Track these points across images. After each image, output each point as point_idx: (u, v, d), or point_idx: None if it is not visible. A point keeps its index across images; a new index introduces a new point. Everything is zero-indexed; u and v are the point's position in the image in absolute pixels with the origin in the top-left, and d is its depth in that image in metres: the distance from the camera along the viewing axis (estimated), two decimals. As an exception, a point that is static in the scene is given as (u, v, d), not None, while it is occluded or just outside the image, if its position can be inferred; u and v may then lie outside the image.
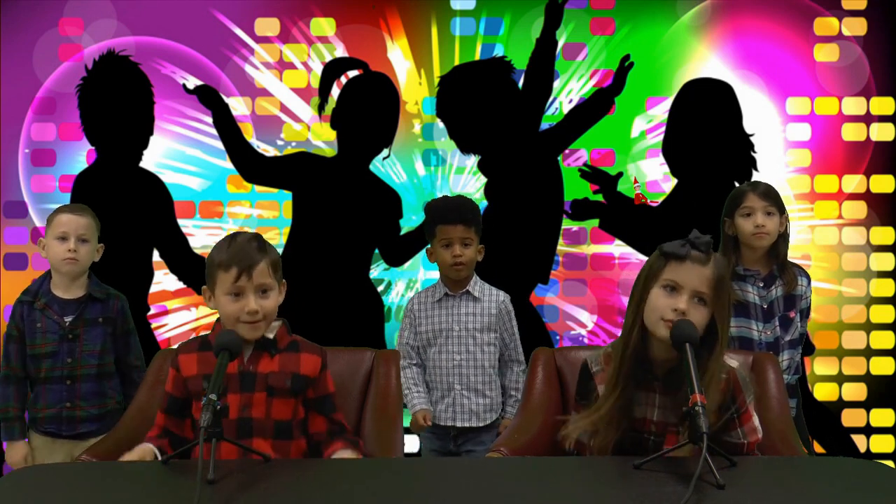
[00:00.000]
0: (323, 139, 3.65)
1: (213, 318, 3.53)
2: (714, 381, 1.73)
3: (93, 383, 2.65)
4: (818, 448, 3.60)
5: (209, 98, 3.59)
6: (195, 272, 3.59)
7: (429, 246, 2.74)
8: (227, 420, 1.68)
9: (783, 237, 2.66)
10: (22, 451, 2.66)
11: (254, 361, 1.88)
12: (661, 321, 1.71)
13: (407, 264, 3.66)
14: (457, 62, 3.64)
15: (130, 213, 3.54)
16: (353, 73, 3.64)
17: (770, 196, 2.64)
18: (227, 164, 3.62)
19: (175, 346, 2.55)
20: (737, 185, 2.79)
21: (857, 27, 3.63)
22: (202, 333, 1.99)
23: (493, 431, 2.72)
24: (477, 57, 3.66)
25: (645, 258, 3.60)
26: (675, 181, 3.64)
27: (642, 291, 1.77)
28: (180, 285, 3.61)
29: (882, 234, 3.64)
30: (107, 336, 2.68)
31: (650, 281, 1.76)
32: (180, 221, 3.62)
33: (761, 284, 2.65)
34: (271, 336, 1.91)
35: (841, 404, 3.63)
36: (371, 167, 3.64)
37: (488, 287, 2.76)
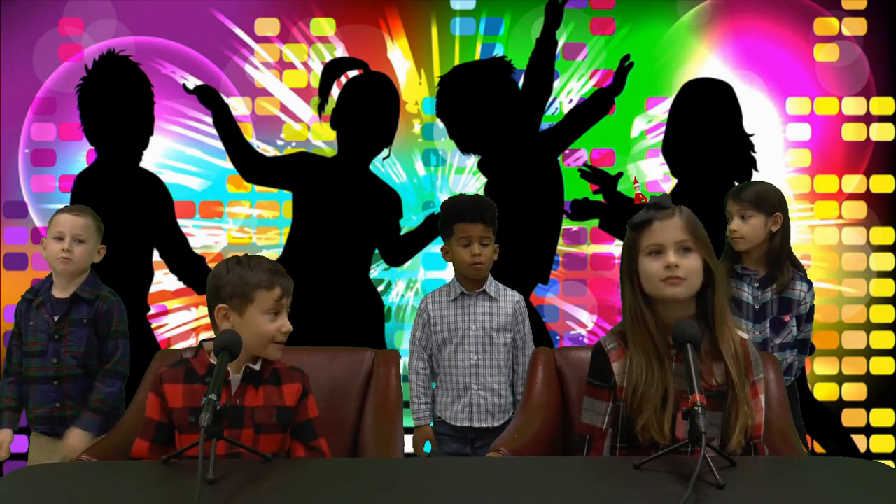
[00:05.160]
0: (323, 139, 3.65)
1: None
2: (726, 319, 1.78)
3: (80, 383, 2.64)
4: (818, 448, 3.60)
5: (209, 98, 3.59)
6: (195, 272, 3.60)
7: (443, 244, 2.72)
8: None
9: (776, 235, 2.64)
10: (2, 437, 2.64)
11: (240, 395, 1.86)
12: (661, 282, 1.76)
13: (407, 264, 3.66)
14: (457, 62, 3.64)
15: (130, 213, 3.54)
16: (353, 73, 3.64)
17: (746, 199, 2.61)
18: (227, 164, 3.62)
19: (178, 350, 2.53)
20: (736, 184, 2.79)
21: (857, 27, 3.63)
22: (185, 357, 1.95)
23: None
24: (477, 57, 3.66)
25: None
26: (675, 181, 3.64)
27: (630, 269, 1.82)
28: (180, 285, 3.61)
29: (882, 234, 3.64)
30: (91, 337, 2.66)
31: (633, 256, 1.82)
32: (180, 221, 3.62)
33: (756, 285, 2.64)
34: (258, 368, 1.88)
35: (841, 404, 3.63)
36: (371, 167, 3.64)
37: (503, 287, 2.74)
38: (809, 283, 2.67)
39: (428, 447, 2.81)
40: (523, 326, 2.73)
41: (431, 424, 2.76)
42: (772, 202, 2.64)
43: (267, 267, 1.89)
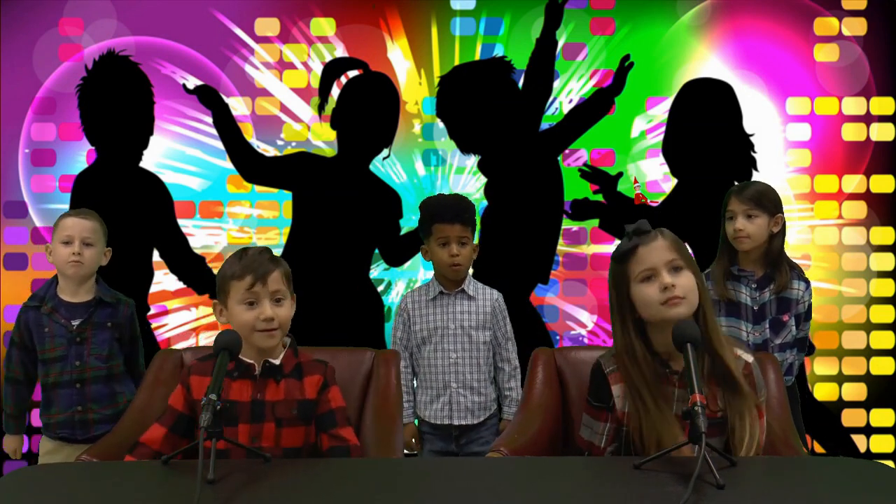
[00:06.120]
0: (323, 139, 3.65)
1: (214, 318, 3.56)
2: (722, 339, 1.76)
3: (102, 385, 2.66)
4: (818, 448, 3.60)
5: (209, 98, 3.59)
6: (195, 272, 3.60)
7: (423, 244, 2.74)
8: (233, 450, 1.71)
9: (776, 237, 2.65)
10: (12, 446, 2.73)
11: (261, 389, 1.87)
12: (661, 306, 1.74)
13: (407, 264, 3.66)
14: (457, 62, 3.64)
15: (130, 214, 3.54)
16: (353, 73, 3.64)
17: (752, 199, 2.62)
18: (227, 164, 3.62)
19: (178, 350, 2.53)
20: (736, 184, 2.79)
21: (857, 27, 3.63)
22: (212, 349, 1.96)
23: (492, 429, 2.72)
24: (477, 57, 3.66)
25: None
26: (675, 181, 3.64)
27: (620, 303, 1.80)
28: (180, 285, 3.61)
29: (882, 234, 3.64)
30: (114, 340, 2.69)
31: (624, 287, 1.80)
32: (180, 221, 3.62)
33: (754, 286, 2.64)
34: (277, 362, 1.89)
35: (841, 404, 3.63)
36: (371, 167, 3.64)
37: (482, 286, 2.77)
38: (807, 282, 2.68)
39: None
40: (504, 324, 2.75)
41: (416, 422, 2.78)
42: (774, 202, 2.65)
43: (249, 256, 1.89)
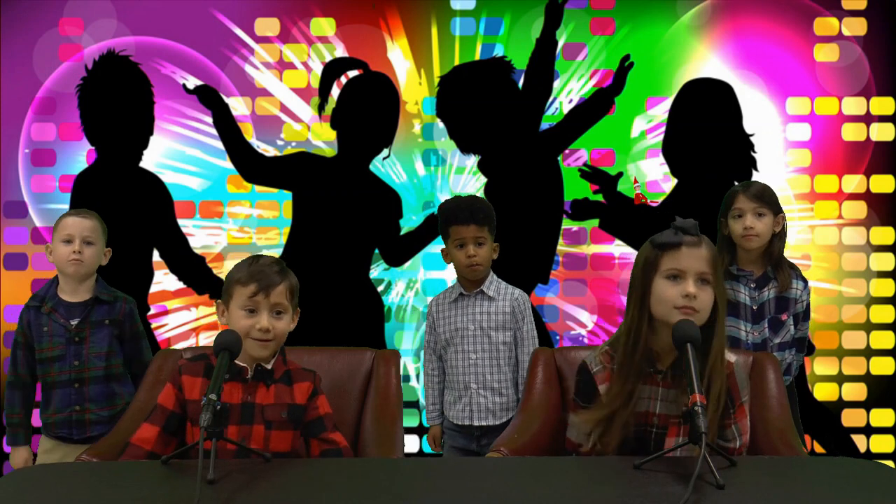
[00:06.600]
0: (323, 139, 3.65)
1: (214, 319, 3.56)
2: (720, 359, 1.76)
3: (101, 385, 2.65)
4: (818, 448, 3.60)
5: (209, 98, 3.59)
6: (195, 272, 3.60)
7: (443, 246, 2.74)
8: (225, 450, 1.71)
9: (778, 236, 2.65)
10: (23, 456, 2.70)
11: (251, 392, 1.88)
12: (675, 310, 1.73)
13: (407, 264, 3.66)
14: (457, 62, 3.64)
15: (130, 213, 3.54)
16: (353, 73, 3.64)
17: (761, 197, 2.62)
18: (227, 164, 3.62)
19: (178, 350, 2.52)
20: (736, 184, 2.79)
21: (857, 27, 3.63)
22: (205, 353, 1.97)
23: None
24: (477, 57, 3.66)
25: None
26: (675, 181, 3.64)
27: (643, 286, 1.78)
28: (180, 285, 3.61)
29: (882, 234, 3.64)
30: (113, 338, 2.68)
31: (649, 274, 1.78)
32: (180, 221, 3.62)
33: (753, 286, 2.64)
34: (269, 367, 1.91)
35: (841, 404, 3.63)
36: (371, 167, 3.64)
37: (504, 285, 2.75)
38: (805, 281, 2.68)
39: (417, 445, 2.83)
40: (523, 324, 2.72)
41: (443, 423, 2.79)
42: (777, 202, 2.65)
43: (258, 264, 1.90)
